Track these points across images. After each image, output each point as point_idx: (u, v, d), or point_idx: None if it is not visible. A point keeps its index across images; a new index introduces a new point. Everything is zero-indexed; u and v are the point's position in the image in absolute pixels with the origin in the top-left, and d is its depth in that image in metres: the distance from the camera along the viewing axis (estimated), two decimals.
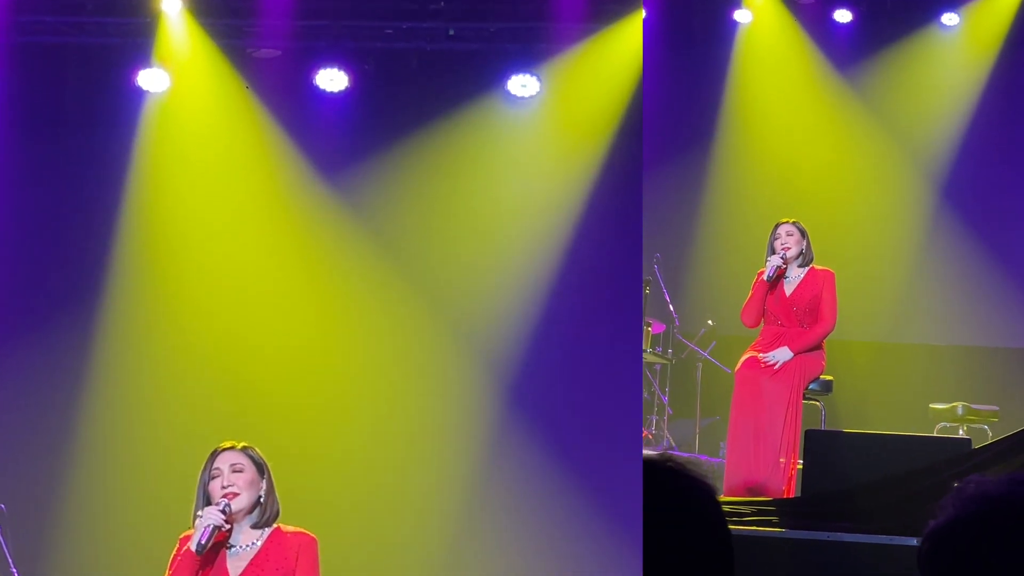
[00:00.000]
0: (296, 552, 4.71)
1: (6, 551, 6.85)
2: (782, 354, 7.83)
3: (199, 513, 4.65)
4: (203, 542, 4.57)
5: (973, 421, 9.25)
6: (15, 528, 7.11)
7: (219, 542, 4.70)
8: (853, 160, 10.50)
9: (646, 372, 9.66)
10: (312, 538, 4.78)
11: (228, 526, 4.64)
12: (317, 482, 7.58)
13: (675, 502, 1.97)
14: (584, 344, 8.13)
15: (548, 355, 8.11)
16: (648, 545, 1.91)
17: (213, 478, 4.74)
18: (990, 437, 8.88)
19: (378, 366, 8.11)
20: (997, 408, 9.33)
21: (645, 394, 9.70)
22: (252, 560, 4.71)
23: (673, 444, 9.61)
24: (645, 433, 9.58)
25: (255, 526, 4.77)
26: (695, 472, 2.01)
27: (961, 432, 9.09)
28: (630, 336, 8.09)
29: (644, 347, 9.28)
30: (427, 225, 8.29)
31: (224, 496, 4.70)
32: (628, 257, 8.08)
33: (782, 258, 7.86)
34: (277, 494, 4.84)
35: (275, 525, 4.80)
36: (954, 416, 9.26)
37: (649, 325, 9.47)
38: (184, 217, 8.19)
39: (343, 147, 8.31)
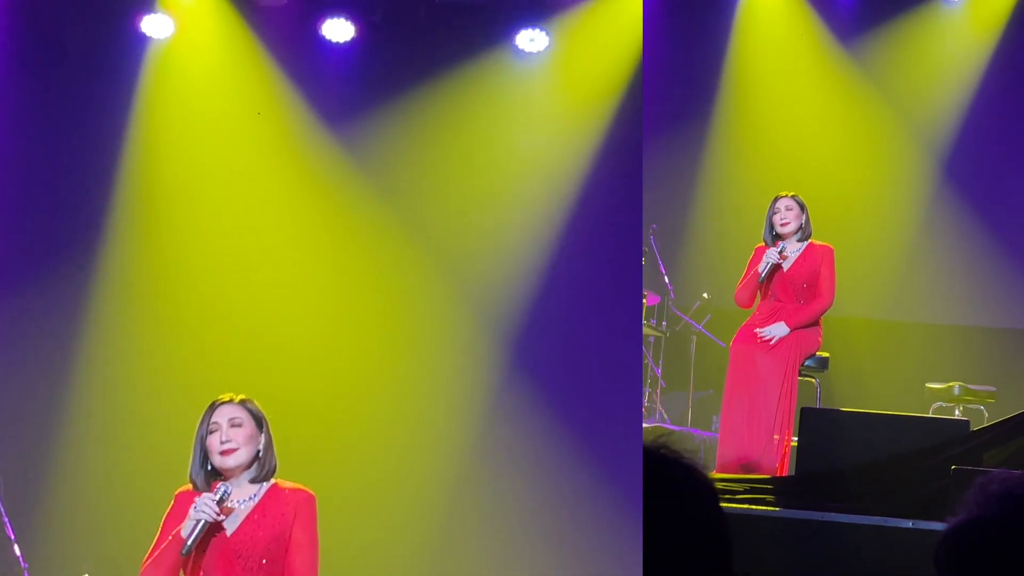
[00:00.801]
0: (294, 509, 4.63)
1: (1, 509, 6.78)
2: (778, 329, 7.81)
3: (195, 510, 4.48)
4: (190, 544, 4.46)
5: (970, 402, 9.21)
6: (10, 486, 6.99)
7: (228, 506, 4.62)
8: (854, 134, 10.41)
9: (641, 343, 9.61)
10: (310, 495, 4.70)
11: (223, 518, 4.52)
12: (316, 439, 7.48)
13: (670, 489, 1.90)
14: (585, 306, 8.08)
15: (550, 312, 8.06)
16: (647, 524, 1.85)
17: (211, 432, 4.64)
18: (986, 418, 8.85)
19: (379, 321, 8.01)
20: (994, 389, 9.30)
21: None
22: (248, 517, 4.62)
23: (666, 417, 9.57)
24: None
25: (253, 480, 4.68)
26: (690, 459, 1.94)
27: (957, 412, 9.06)
28: (630, 300, 8.04)
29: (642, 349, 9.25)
30: (431, 177, 8.20)
31: (222, 453, 4.61)
32: (628, 220, 8.01)
33: (779, 252, 7.80)
34: (275, 449, 4.74)
35: (273, 481, 4.71)
36: (951, 396, 9.22)
37: (644, 297, 9.41)
38: (186, 165, 8.07)
39: (348, 97, 8.21)
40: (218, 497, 4.49)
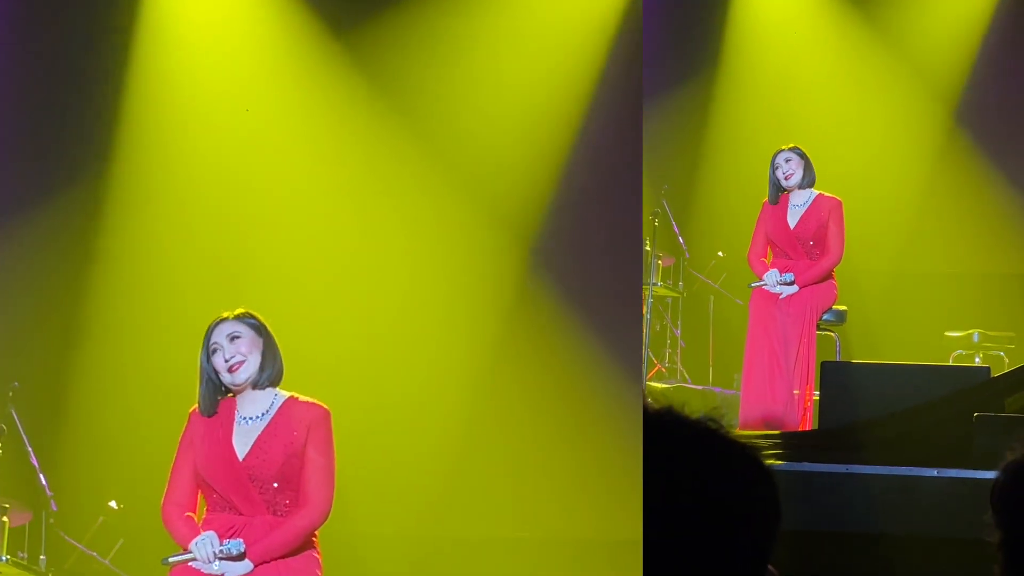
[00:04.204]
0: (306, 426, 4.60)
1: (19, 427, 6.79)
2: (787, 288, 7.86)
3: (194, 544, 4.50)
4: (171, 561, 4.51)
5: (990, 348, 9.22)
6: (28, 404, 6.99)
7: (229, 415, 4.66)
8: (862, 83, 10.36)
9: (657, 306, 9.61)
10: (324, 410, 4.66)
11: (213, 569, 4.49)
12: (332, 352, 7.41)
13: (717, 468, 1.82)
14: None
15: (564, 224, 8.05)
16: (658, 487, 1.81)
17: (213, 353, 4.62)
18: (1007, 364, 8.85)
19: (392, 234, 7.93)
20: (1013, 334, 9.30)
21: (657, 327, 9.66)
22: (259, 438, 4.61)
23: (687, 377, 9.59)
24: (659, 367, 9.56)
25: (256, 386, 4.66)
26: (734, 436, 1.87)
27: (977, 360, 9.06)
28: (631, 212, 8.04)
29: (655, 280, 9.24)
30: (438, 86, 8.09)
31: (230, 370, 4.59)
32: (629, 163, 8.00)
33: (779, 283, 7.83)
34: (281, 356, 4.72)
35: (288, 395, 4.69)
36: (970, 344, 9.23)
37: (660, 258, 9.43)
38: (191, 72, 7.97)
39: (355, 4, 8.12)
40: (223, 549, 4.47)
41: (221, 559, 4.47)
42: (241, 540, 4.48)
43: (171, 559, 4.51)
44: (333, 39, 8.04)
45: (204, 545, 4.46)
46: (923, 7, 10.26)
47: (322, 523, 4.64)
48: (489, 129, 8.11)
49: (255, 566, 4.49)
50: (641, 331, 8.63)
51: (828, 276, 7.95)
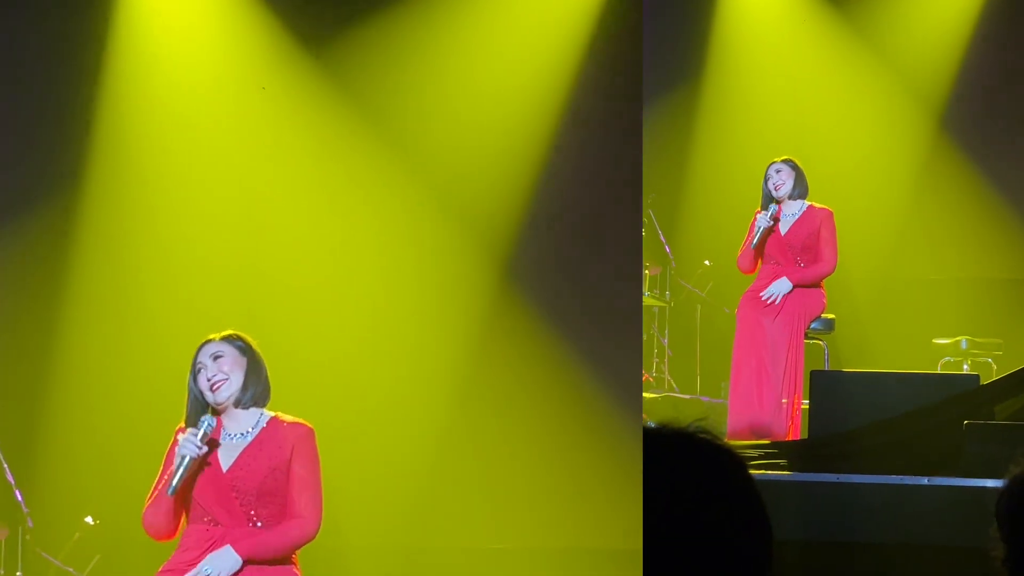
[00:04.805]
0: (291, 443, 4.63)
1: None
2: (781, 286, 7.85)
3: (178, 448, 4.52)
4: (175, 483, 4.50)
5: (978, 355, 9.22)
6: (3, 420, 6.98)
7: (213, 438, 4.65)
8: (849, 90, 10.37)
9: (644, 315, 9.59)
10: (308, 428, 4.70)
11: (206, 449, 4.53)
12: (312, 370, 7.32)
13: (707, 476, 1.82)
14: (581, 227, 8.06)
15: (544, 235, 8.01)
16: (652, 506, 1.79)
17: (198, 372, 4.66)
18: (995, 370, 8.86)
19: (371, 249, 7.84)
20: (1001, 341, 9.31)
21: (644, 336, 9.64)
22: (244, 451, 4.63)
23: (674, 386, 9.58)
24: (646, 376, 9.54)
25: (238, 404, 4.68)
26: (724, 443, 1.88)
27: (965, 367, 9.07)
28: (630, 227, 8.00)
29: (642, 290, 9.22)
30: (423, 92, 8.02)
31: (212, 388, 4.61)
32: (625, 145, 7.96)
33: (770, 215, 7.82)
34: (268, 377, 4.74)
35: (272, 414, 4.72)
36: (958, 351, 9.24)
37: (647, 267, 9.40)
38: (163, 80, 7.87)
39: (324, 15, 8.00)
40: (200, 432, 4.50)
41: (207, 441, 4.50)
42: (210, 415, 4.54)
43: (174, 481, 4.49)
44: (306, 49, 7.97)
45: (188, 442, 4.49)
46: (910, 13, 10.27)
47: (311, 538, 4.64)
48: (480, 137, 8.08)
49: (242, 560, 4.50)
50: (640, 339, 8.60)
51: (818, 283, 7.95)
